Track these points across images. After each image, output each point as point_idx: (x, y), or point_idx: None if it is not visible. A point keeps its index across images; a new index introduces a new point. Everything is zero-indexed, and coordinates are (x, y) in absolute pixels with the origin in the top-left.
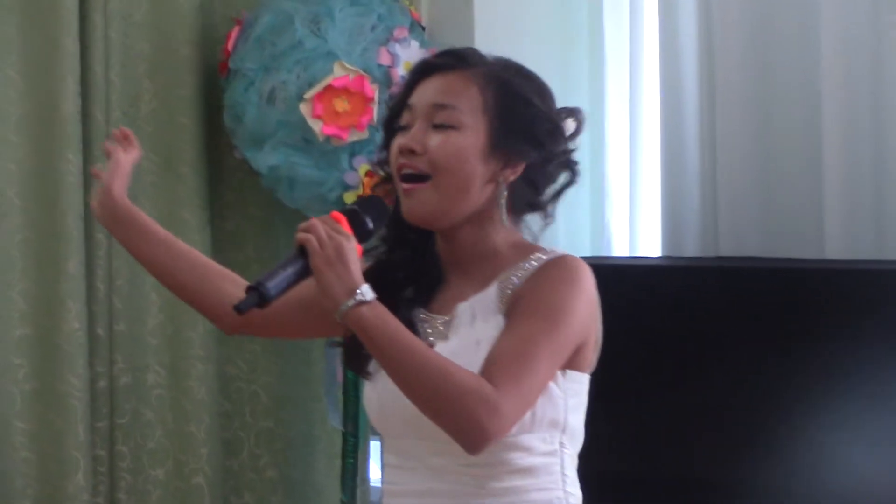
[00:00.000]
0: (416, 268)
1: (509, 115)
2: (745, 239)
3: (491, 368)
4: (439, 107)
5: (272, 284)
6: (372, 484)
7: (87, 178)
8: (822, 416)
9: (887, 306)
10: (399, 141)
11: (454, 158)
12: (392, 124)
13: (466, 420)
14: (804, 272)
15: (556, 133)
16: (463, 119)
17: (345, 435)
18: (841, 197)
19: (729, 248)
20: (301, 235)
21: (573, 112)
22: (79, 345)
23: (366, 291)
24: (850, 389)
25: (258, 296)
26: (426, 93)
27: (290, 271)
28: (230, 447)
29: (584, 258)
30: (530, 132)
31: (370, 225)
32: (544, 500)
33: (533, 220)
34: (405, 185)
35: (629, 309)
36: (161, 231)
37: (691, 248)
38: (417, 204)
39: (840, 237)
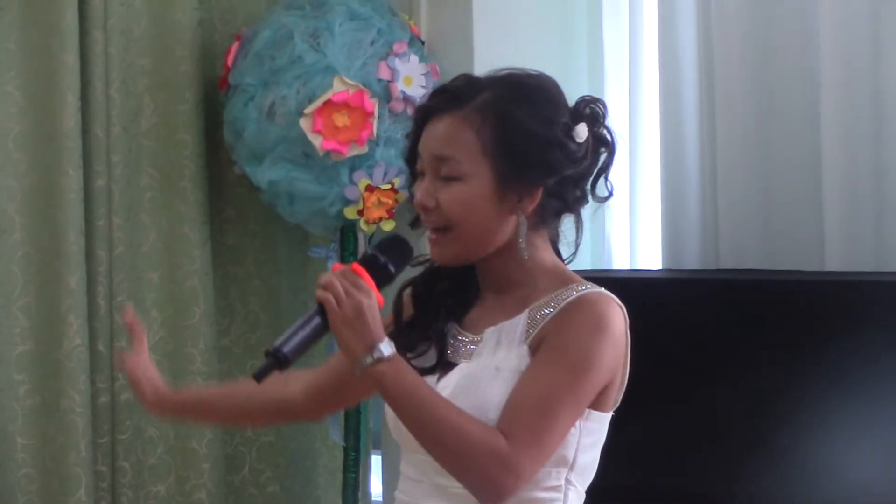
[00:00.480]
0: (460, 281)
1: (511, 152)
2: (745, 251)
3: (510, 421)
4: (440, 159)
5: (288, 348)
6: (373, 498)
7: (88, 194)
8: (823, 426)
9: (887, 318)
10: (416, 196)
11: (464, 210)
12: (411, 167)
13: (481, 479)
14: (804, 284)
15: (565, 151)
16: (464, 169)
17: (346, 449)
18: (840, 209)
19: (729, 260)
20: (320, 294)
21: (588, 105)
22: (80, 361)
23: (384, 348)
24: (851, 399)
25: (276, 361)
26: (428, 142)
27: (307, 331)
28: (232, 463)
29: (584, 272)
30: (537, 162)
31: (392, 269)
32: None
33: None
34: (430, 235)
35: (630, 322)
36: (212, 394)
37: (692, 261)
38: (443, 252)
39: (840, 249)
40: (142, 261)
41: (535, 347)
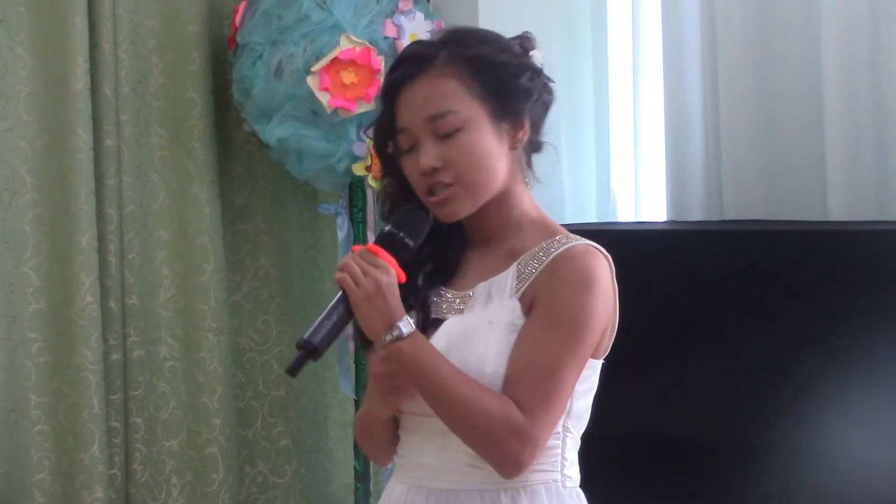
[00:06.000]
0: (439, 244)
1: (494, 86)
2: (749, 202)
3: (519, 391)
4: (437, 117)
5: (318, 339)
6: None
7: (98, 154)
8: (827, 375)
9: (889, 266)
10: (416, 166)
11: (474, 157)
12: (384, 149)
13: (500, 453)
14: (807, 234)
15: (533, 74)
16: (463, 116)
17: (357, 403)
18: (843, 159)
19: (733, 211)
20: (338, 276)
21: (524, 40)
22: (92, 318)
23: (403, 326)
24: (855, 348)
25: (307, 353)
26: (411, 111)
27: (334, 319)
28: (244, 417)
29: (590, 225)
30: (516, 88)
31: (410, 242)
32: (541, 481)
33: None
34: (434, 199)
35: (635, 274)
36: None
37: (696, 213)
38: (454, 210)
39: (842, 199)
40: (152, 219)
41: (527, 303)
